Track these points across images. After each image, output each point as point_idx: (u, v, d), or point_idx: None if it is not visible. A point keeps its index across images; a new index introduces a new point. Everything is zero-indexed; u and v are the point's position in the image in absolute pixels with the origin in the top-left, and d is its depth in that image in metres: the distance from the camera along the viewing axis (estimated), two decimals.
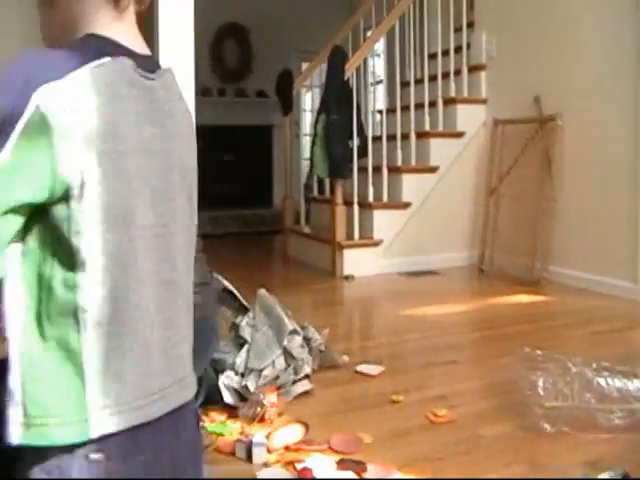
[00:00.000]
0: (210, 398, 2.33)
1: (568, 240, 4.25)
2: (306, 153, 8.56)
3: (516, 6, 4.76)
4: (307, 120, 8.65)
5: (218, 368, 2.40)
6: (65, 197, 0.79)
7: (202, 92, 7.26)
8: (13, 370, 0.83)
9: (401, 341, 3.26)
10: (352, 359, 2.84)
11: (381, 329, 3.62)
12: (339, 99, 4.67)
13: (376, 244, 4.79)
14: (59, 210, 0.80)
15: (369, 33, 6.56)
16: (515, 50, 4.78)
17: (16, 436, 0.82)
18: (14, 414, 0.82)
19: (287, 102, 5.63)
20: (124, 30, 0.89)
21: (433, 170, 4.95)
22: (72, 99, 0.78)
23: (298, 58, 8.62)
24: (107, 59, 0.82)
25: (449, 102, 5.08)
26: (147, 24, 2.94)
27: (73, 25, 0.89)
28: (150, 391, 0.90)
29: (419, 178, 4.92)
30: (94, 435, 0.83)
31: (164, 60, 2.79)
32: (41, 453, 0.83)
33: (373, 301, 4.21)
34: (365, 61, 5.27)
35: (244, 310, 2.56)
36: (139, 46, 0.91)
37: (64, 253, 0.81)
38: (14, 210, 0.78)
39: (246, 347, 2.43)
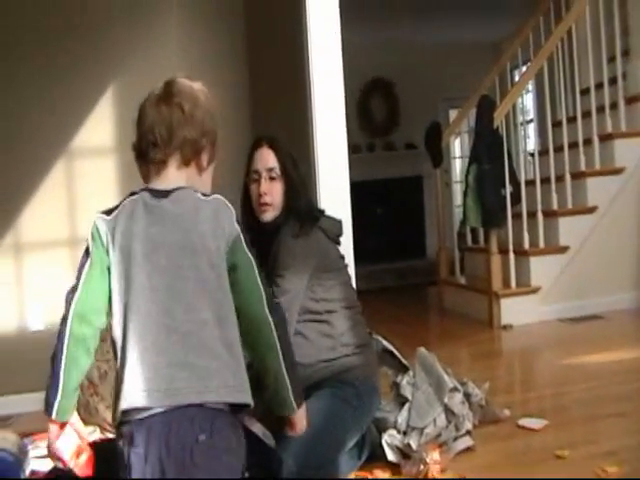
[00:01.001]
0: (373, 455, 2.42)
1: None
2: (457, 201, 8.57)
3: None
4: (457, 167, 8.65)
5: (380, 426, 2.48)
6: None
7: (352, 149, 7.51)
8: None
9: (564, 392, 3.16)
10: (513, 412, 2.80)
11: (543, 380, 3.54)
12: (490, 148, 4.67)
13: (534, 291, 4.70)
14: None
15: (516, 73, 6.53)
16: None
17: None
18: None
19: (437, 155, 5.70)
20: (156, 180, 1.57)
21: (591, 210, 4.80)
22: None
23: (445, 106, 8.69)
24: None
25: (605, 138, 4.90)
26: (300, 91, 3.17)
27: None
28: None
29: (577, 220, 4.79)
30: None
31: (318, 121, 2.97)
32: None
33: (533, 350, 4.12)
34: (513, 103, 5.23)
35: (404, 369, 2.64)
36: (164, 185, 1.54)
37: None
38: None
39: (407, 405, 2.50)
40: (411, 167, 8.46)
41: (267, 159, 2.33)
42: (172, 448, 1.38)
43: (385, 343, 2.69)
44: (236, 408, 1.50)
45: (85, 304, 1.48)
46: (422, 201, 8.60)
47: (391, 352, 2.68)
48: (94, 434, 2.66)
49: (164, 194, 1.52)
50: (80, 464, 1.55)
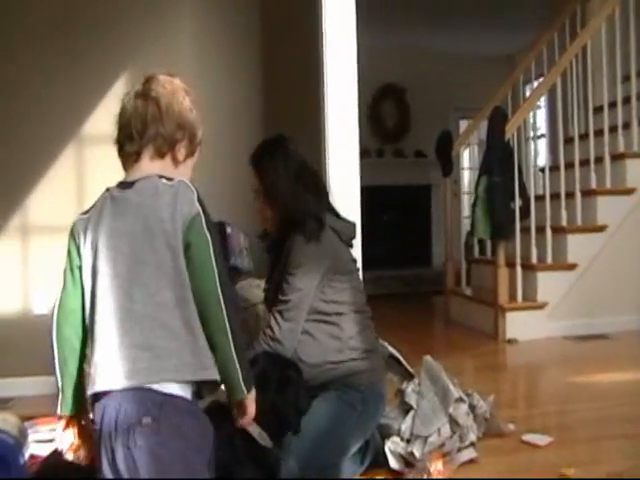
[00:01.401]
0: (376, 462, 2.38)
1: None
2: (466, 212, 8.54)
3: None
4: (466, 178, 8.63)
5: (384, 433, 2.44)
6: None
7: (361, 154, 7.48)
8: None
9: (569, 410, 3.12)
10: (517, 428, 2.76)
11: (547, 397, 3.49)
12: (501, 160, 4.65)
13: (540, 307, 4.66)
14: None
15: (528, 87, 6.51)
16: None
17: None
18: None
19: (447, 164, 5.67)
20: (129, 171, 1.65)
21: (601, 229, 4.77)
22: None
23: (455, 116, 8.69)
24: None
25: (617, 157, 4.88)
26: (314, 91, 3.15)
27: None
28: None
29: (586, 238, 4.76)
30: None
31: (331, 125, 2.94)
32: None
33: (538, 366, 4.08)
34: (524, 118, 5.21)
35: (409, 376, 2.60)
36: (136, 176, 1.61)
37: None
38: None
39: (412, 413, 2.46)
40: (420, 175, 8.45)
41: (253, 180, 2.34)
42: (119, 428, 1.43)
43: (391, 349, 2.66)
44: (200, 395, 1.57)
45: (64, 306, 1.59)
46: (429, 210, 8.60)
47: (397, 359, 2.65)
48: None
49: (129, 185, 1.59)
50: (80, 457, 1.64)
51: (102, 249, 1.54)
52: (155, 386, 1.45)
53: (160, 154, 1.63)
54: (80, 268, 1.58)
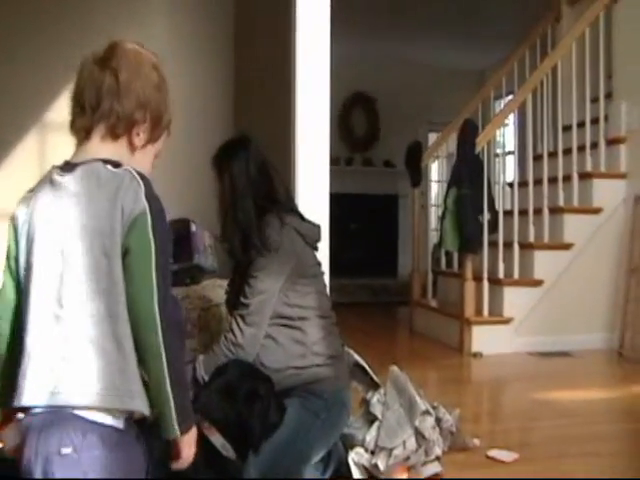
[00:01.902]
0: (339, 472, 2.29)
1: None
2: (432, 224, 8.55)
3: None
4: (434, 190, 8.64)
5: (347, 443, 2.35)
6: None
7: (330, 161, 7.46)
8: None
9: (533, 427, 3.10)
10: (480, 443, 2.71)
11: (511, 413, 3.46)
12: (471, 173, 4.64)
13: (506, 322, 4.64)
14: None
15: (498, 103, 6.55)
16: None
17: None
18: None
19: (416, 174, 5.64)
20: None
21: (568, 247, 4.77)
22: None
23: (425, 129, 8.72)
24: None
25: (585, 176, 4.90)
26: (284, 96, 3.08)
27: None
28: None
29: (553, 255, 4.76)
30: None
31: (300, 131, 2.87)
32: None
33: (502, 381, 4.05)
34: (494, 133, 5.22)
35: (375, 386, 2.52)
36: (81, 158, 1.37)
37: None
38: None
39: (377, 424, 2.37)
40: (388, 185, 8.46)
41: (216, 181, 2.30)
42: (39, 455, 1.25)
43: (357, 357, 2.57)
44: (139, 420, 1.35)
45: (1, 300, 1.39)
46: (396, 220, 8.60)
47: (363, 367, 2.56)
48: None
49: (71, 168, 1.36)
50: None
51: (37, 241, 1.33)
52: (80, 412, 1.26)
53: (114, 135, 1.37)
54: (17, 259, 1.36)
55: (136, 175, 1.32)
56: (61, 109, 3.46)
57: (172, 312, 1.34)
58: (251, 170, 2.22)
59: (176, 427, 1.29)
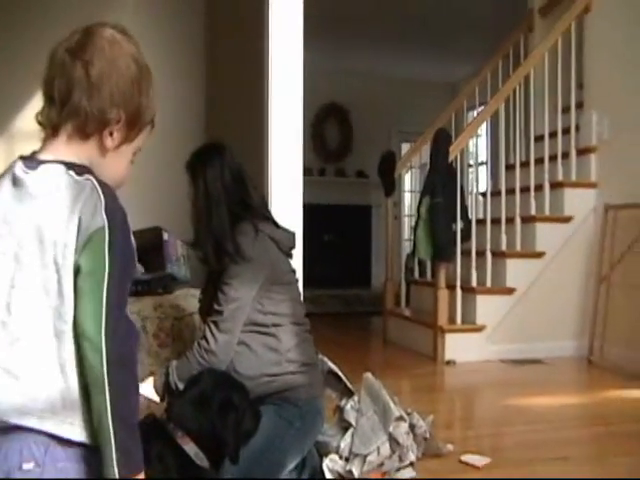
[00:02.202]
0: None
1: None
2: (406, 234, 8.60)
3: (630, 84, 4.62)
4: (407, 200, 8.70)
5: (322, 451, 2.35)
6: None
7: (303, 171, 7.48)
8: None
9: (506, 433, 3.12)
10: (455, 448, 2.72)
11: (484, 419, 3.49)
12: (444, 182, 4.68)
13: (479, 329, 4.67)
14: None
15: (471, 113, 6.62)
16: (630, 131, 4.61)
17: None
18: None
19: (390, 184, 5.67)
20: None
21: (539, 255, 4.82)
22: None
23: (398, 139, 8.79)
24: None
25: (556, 186, 4.96)
26: (258, 104, 3.09)
27: None
28: None
29: (524, 263, 4.81)
30: None
31: (274, 142, 2.89)
32: None
33: (475, 388, 4.07)
34: (467, 143, 5.27)
35: (349, 393, 2.52)
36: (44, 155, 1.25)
37: None
38: None
39: (351, 431, 2.38)
40: (361, 196, 8.49)
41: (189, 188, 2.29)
42: (0, 470, 1.17)
43: (331, 365, 2.57)
44: None
45: None
46: (369, 231, 8.63)
47: (337, 375, 2.57)
48: None
49: (35, 165, 1.22)
50: None
51: None
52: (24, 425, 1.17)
53: (82, 134, 1.24)
54: None
55: (97, 186, 1.20)
56: (29, 118, 3.45)
57: (125, 342, 1.21)
58: (225, 176, 2.21)
59: (115, 470, 1.15)
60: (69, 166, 1.21)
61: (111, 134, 1.26)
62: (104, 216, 1.17)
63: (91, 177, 1.21)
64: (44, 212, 1.18)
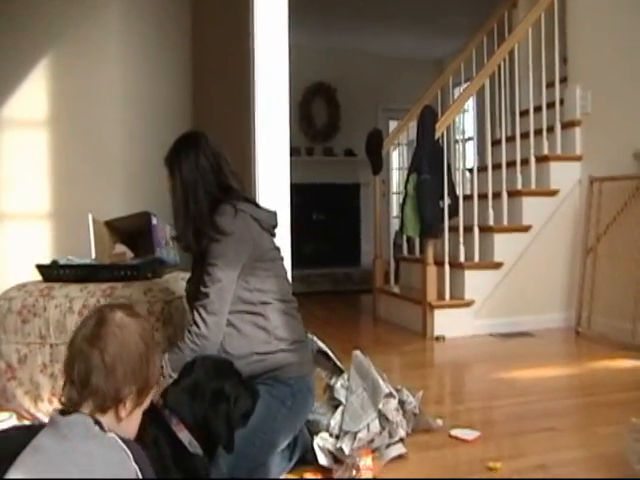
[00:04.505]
0: (304, 459, 2.33)
1: None
2: (394, 211, 8.61)
3: (613, 58, 4.65)
4: (395, 178, 8.71)
5: (312, 429, 2.39)
6: None
7: (291, 152, 7.48)
8: None
9: (495, 406, 3.16)
10: (444, 423, 2.77)
11: (474, 393, 3.53)
12: (430, 159, 4.68)
13: (467, 304, 4.72)
14: None
15: (457, 90, 6.62)
16: (613, 104, 4.66)
17: None
18: None
19: (378, 162, 5.68)
20: None
21: (526, 229, 4.86)
22: None
23: (385, 117, 8.77)
24: None
25: (542, 160, 4.99)
26: (245, 88, 3.09)
27: None
28: None
29: (511, 237, 4.84)
30: None
31: (260, 122, 2.90)
32: None
33: (465, 363, 4.12)
34: (453, 119, 5.28)
35: (338, 372, 2.55)
36: None
37: None
38: None
39: (341, 409, 2.41)
40: (349, 174, 8.49)
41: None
42: None
43: (320, 344, 2.61)
44: None
45: None
46: (358, 209, 8.64)
47: (326, 353, 2.60)
48: (10, 420, 2.47)
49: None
50: None
51: None
52: None
53: (102, 410, 1.46)
54: None
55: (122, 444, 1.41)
56: (15, 106, 3.45)
57: None
58: (201, 164, 2.24)
59: None
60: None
61: (124, 405, 1.48)
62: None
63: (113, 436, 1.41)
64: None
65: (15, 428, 1.71)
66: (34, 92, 3.43)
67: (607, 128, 4.71)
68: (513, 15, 5.89)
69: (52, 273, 2.85)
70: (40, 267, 2.88)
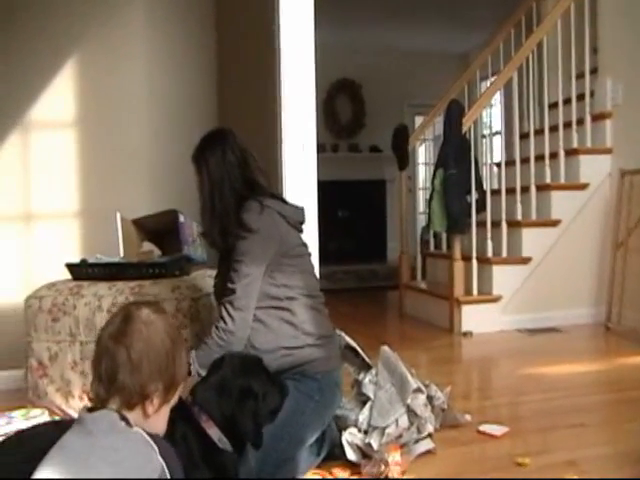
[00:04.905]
0: (332, 454, 2.33)
1: None
2: (420, 207, 8.58)
3: None
4: (421, 174, 8.66)
5: (341, 424, 2.39)
6: None
7: (317, 148, 7.47)
8: None
9: (523, 402, 3.13)
10: (472, 419, 2.75)
11: (501, 388, 3.50)
12: (457, 153, 4.65)
13: (495, 300, 4.69)
14: None
15: (484, 84, 6.56)
16: None
17: None
18: None
19: (404, 157, 5.66)
20: None
21: (555, 224, 4.81)
22: None
23: (410, 112, 8.73)
24: None
25: (571, 153, 4.92)
26: (270, 86, 3.10)
27: None
28: None
29: (540, 232, 4.79)
30: None
31: (286, 120, 2.90)
32: None
33: (492, 359, 4.09)
34: (480, 113, 5.24)
35: (367, 367, 2.55)
36: None
37: None
38: None
39: (369, 404, 2.41)
40: (375, 170, 8.46)
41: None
42: None
43: (348, 339, 2.61)
44: None
45: None
46: (384, 205, 8.61)
47: (354, 349, 2.60)
48: (42, 417, 2.51)
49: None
50: None
51: None
52: None
53: (129, 406, 1.49)
54: None
55: (148, 438, 1.41)
56: (42, 108, 3.50)
57: None
58: (228, 160, 2.25)
59: None
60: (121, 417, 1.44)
61: (151, 402, 1.50)
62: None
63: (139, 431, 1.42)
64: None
65: (43, 424, 1.73)
66: (61, 94, 3.48)
67: (638, 120, 4.64)
68: (541, 6, 5.80)
69: (81, 272, 2.89)
70: (69, 266, 2.92)
